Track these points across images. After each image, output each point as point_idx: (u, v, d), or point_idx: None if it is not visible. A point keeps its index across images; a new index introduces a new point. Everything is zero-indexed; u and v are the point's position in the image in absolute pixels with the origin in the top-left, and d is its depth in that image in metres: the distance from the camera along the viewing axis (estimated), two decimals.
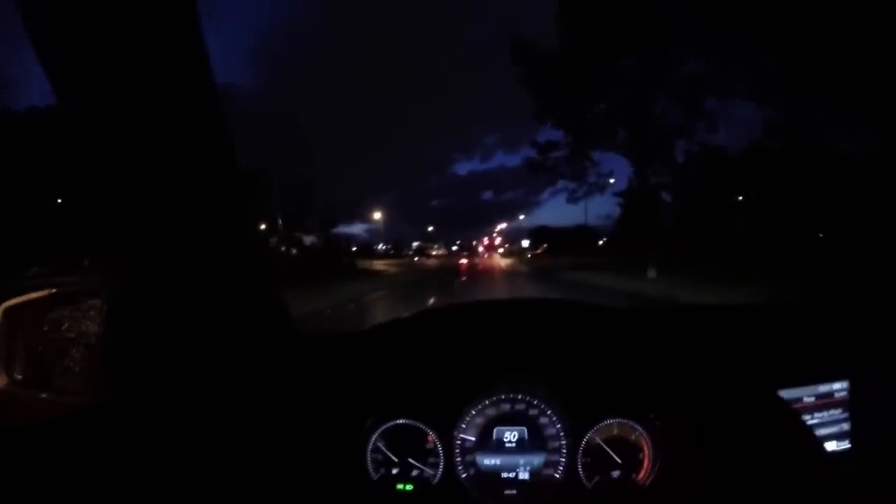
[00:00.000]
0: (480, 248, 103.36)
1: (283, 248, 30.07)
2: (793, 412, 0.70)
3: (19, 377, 0.96)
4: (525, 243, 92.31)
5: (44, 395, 0.91)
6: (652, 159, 19.42)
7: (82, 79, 0.59)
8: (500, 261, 56.64)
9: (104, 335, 0.73)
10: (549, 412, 0.74)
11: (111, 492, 0.56)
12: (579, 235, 78.27)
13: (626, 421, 0.73)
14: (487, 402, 0.75)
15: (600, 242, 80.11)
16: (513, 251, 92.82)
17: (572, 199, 22.86)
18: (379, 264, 45.05)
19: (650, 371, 0.73)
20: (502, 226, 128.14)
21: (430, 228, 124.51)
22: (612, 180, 23.09)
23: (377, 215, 64.29)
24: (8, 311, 0.95)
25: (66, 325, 0.93)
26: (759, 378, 0.70)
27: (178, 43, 0.62)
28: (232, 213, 0.68)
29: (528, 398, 0.75)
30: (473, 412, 0.74)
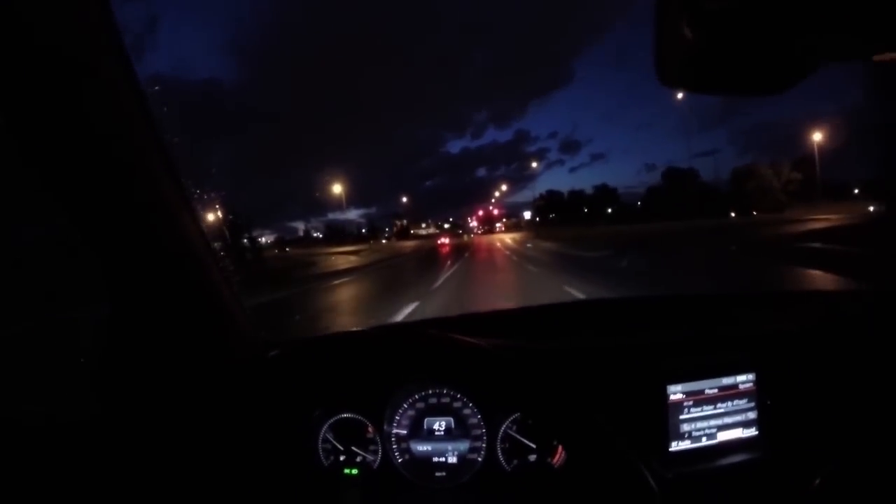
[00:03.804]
0: (474, 224, 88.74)
1: None
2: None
3: None
4: (527, 215, 78.77)
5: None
6: None
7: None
8: (504, 238, 42.33)
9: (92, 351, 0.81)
10: (470, 405, 0.86)
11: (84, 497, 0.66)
12: (603, 200, 64.59)
13: None
14: (417, 397, 0.87)
15: (609, 210, 66.98)
16: (511, 225, 79.20)
17: None
18: (328, 253, 31.15)
19: (550, 370, 0.79)
20: (502, 189, 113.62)
21: (404, 199, 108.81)
22: None
23: (336, 188, 51.04)
24: None
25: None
26: (648, 374, 0.82)
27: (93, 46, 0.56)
28: (184, 223, 0.70)
29: (452, 392, 0.87)
30: (405, 405, 0.87)
